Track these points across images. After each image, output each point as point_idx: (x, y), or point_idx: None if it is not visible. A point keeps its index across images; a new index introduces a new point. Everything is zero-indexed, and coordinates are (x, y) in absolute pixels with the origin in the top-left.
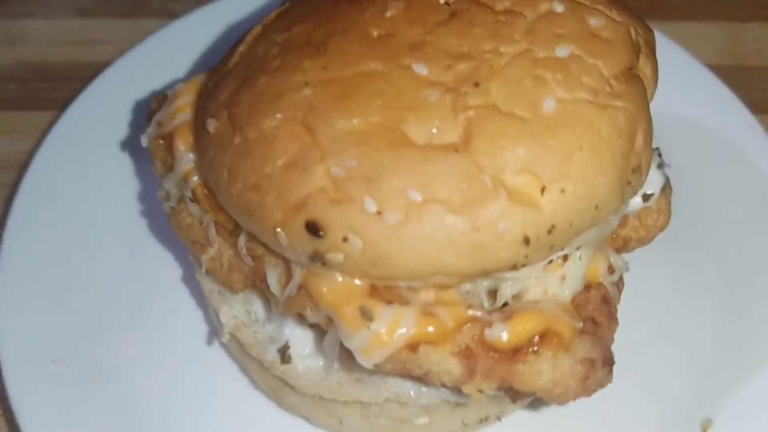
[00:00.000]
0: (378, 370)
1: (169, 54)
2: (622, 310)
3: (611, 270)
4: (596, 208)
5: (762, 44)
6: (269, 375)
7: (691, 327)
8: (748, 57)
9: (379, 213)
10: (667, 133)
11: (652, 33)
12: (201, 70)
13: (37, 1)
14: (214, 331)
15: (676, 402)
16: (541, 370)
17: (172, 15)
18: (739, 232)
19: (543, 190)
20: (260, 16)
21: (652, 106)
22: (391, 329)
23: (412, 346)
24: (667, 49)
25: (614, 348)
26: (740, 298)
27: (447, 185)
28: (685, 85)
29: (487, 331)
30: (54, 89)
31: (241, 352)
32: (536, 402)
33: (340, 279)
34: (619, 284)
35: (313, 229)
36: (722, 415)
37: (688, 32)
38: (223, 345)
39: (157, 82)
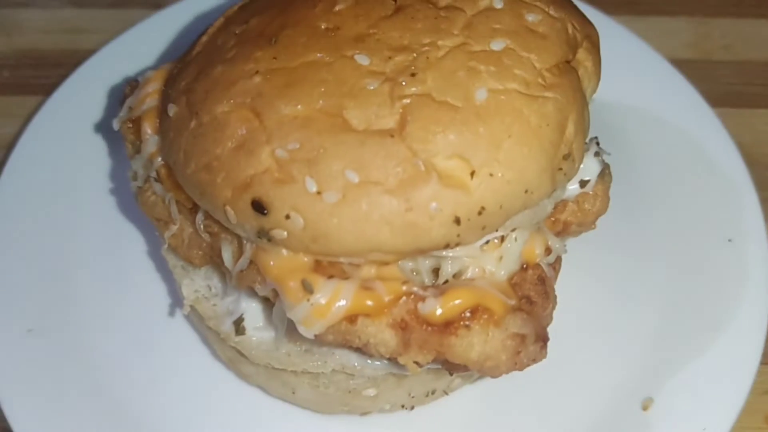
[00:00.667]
0: (319, 341)
1: (150, 43)
2: (568, 291)
3: (548, 251)
4: (526, 192)
5: (730, 39)
6: (227, 346)
7: (636, 308)
8: (715, 52)
9: (318, 193)
10: (625, 124)
11: (594, 28)
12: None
13: None
14: (178, 303)
15: (618, 380)
16: (472, 344)
17: (159, 6)
18: (689, 221)
19: (473, 174)
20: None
21: (610, 96)
22: (330, 301)
23: (351, 318)
24: (629, 42)
25: (557, 326)
26: (685, 282)
27: (382, 168)
28: (645, 77)
29: (420, 305)
30: (45, 75)
31: (201, 324)
32: (484, 378)
33: (285, 254)
34: (556, 265)
35: (259, 207)
36: (663, 394)
37: (657, 26)
38: (185, 317)
39: (137, 70)
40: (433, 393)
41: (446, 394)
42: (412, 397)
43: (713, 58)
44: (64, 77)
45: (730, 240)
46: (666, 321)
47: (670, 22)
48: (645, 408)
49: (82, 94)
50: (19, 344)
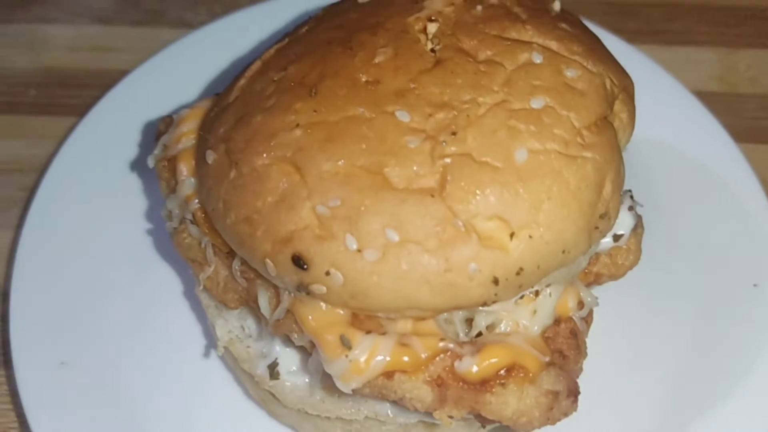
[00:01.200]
0: (356, 394)
1: (183, 66)
2: (592, 333)
3: (581, 305)
4: (563, 252)
5: (756, 72)
6: (260, 387)
7: (660, 352)
8: (741, 84)
9: (359, 250)
10: (648, 159)
11: (630, 80)
12: (213, 83)
13: (58, 7)
14: (212, 343)
15: (643, 425)
16: (507, 401)
17: (187, 25)
18: (715, 261)
19: (512, 235)
20: (276, 35)
21: (636, 133)
22: (368, 358)
23: (388, 374)
24: (655, 75)
25: (585, 372)
26: (710, 326)
27: (422, 227)
28: (670, 111)
29: (457, 363)
30: (72, 95)
31: (234, 365)
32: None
33: (323, 307)
34: (588, 318)
35: (299, 262)
36: None
37: (683, 57)
38: (220, 357)
39: (171, 94)
40: None
41: None
42: None
43: (739, 90)
44: (91, 98)
45: (755, 285)
46: (691, 365)
47: (695, 52)
48: None
49: (114, 120)
50: (52, 376)
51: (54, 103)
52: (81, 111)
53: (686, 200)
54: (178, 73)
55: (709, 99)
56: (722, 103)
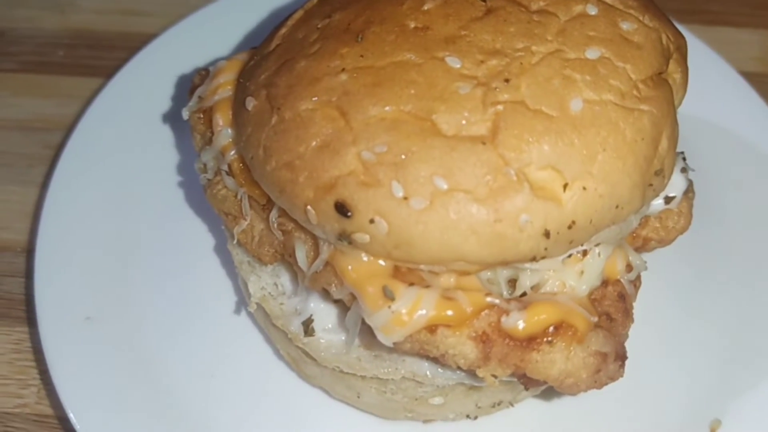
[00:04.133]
0: (396, 348)
1: (213, 30)
2: (639, 307)
3: (629, 268)
4: (617, 207)
5: None
6: (292, 346)
7: (706, 327)
8: None
9: (405, 198)
10: (694, 137)
11: (684, 39)
12: (244, 47)
13: None
14: (242, 300)
15: (686, 400)
16: (554, 360)
17: None
18: (760, 239)
19: (565, 186)
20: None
21: (681, 109)
22: (411, 310)
23: (431, 328)
24: (701, 53)
25: (628, 344)
26: (757, 303)
27: (472, 175)
28: (716, 90)
29: (504, 319)
30: (100, 57)
31: (266, 322)
32: (548, 391)
33: (365, 258)
34: (636, 282)
35: (342, 209)
36: (732, 417)
37: (724, 37)
38: (249, 314)
39: (200, 57)
40: (499, 404)
41: (512, 405)
42: (479, 407)
43: None
44: (120, 60)
45: None
46: (736, 341)
47: (735, 32)
48: (713, 430)
49: (145, 79)
50: (77, 332)
51: (82, 64)
52: (108, 73)
53: (733, 178)
54: (208, 37)
55: (750, 80)
56: (763, 84)
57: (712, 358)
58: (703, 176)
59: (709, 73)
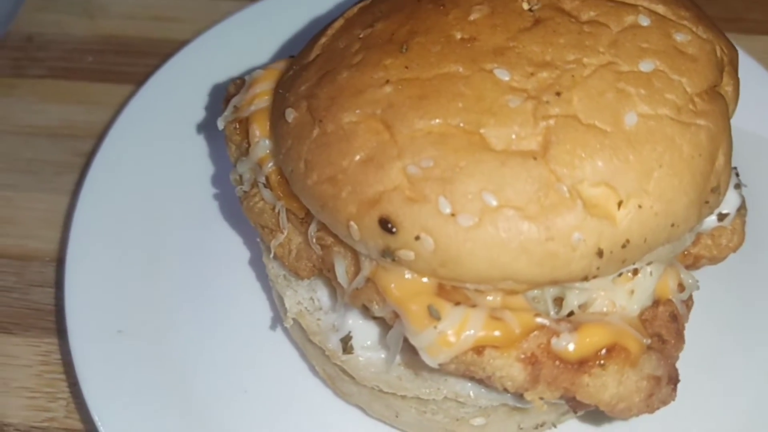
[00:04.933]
0: (441, 369)
1: (246, 36)
2: (688, 326)
3: (681, 287)
4: (672, 225)
5: None
6: (329, 363)
7: (751, 348)
8: None
9: (453, 215)
10: (738, 150)
11: (736, 51)
12: (276, 55)
13: None
14: (277, 315)
15: (733, 424)
16: (606, 384)
17: None
18: None
19: (620, 204)
20: (340, 7)
21: None
22: (458, 331)
23: (477, 349)
24: (744, 64)
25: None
26: None
27: (523, 192)
28: (759, 102)
29: (554, 340)
30: (129, 63)
31: (302, 338)
32: (592, 411)
33: (408, 275)
34: (688, 302)
35: (386, 225)
36: None
37: (762, 47)
38: (284, 329)
39: (233, 65)
40: (542, 425)
41: (554, 426)
42: (521, 428)
43: None
44: (149, 66)
45: None
46: None
47: None
48: None
49: (176, 87)
50: (108, 345)
51: (111, 71)
52: (138, 79)
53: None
54: (240, 43)
55: None
56: None
57: (757, 381)
58: (747, 190)
59: (752, 85)
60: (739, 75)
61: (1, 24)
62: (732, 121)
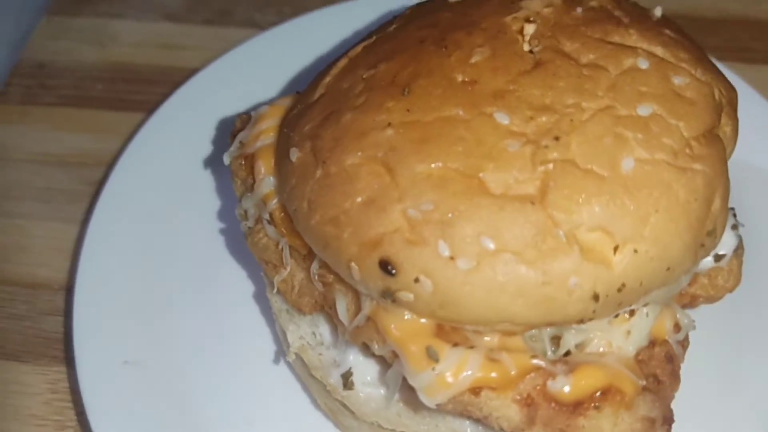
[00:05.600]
0: (439, 409)
1: (255, 65)
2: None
3: (677, 328)
4: (668, 269)
5: None
6: (330, 397)
7: (753, 388)
8: None
9: (452, 258)
10: (738, 182)
11: (735, 92)
12: (284, 85)
13: (125, 3)
14: (281, 348)
15: None
16: (601, 426)
17: (256, 25)
18: None
19: (616, 249)
20: (346, 39)
21: None
22: (456, 372)
23: (475, 390)
24: (747, 97)
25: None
26: None
27: (521, 236)
28: (757, 132)
29: (549, 382)
30: (139, 91)
31: (304, 373)
32: None
33: (407, 316)
34: (684, 342)
35: (387, 267)
36: None
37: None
38: (288, 363)
39: (240, 95)
40: None
41: None
42: None
43: None
44: (159, 94)
45: None
46: None
47: None
48: None
49: (185, 117)
50: (114, 375)
51: (121, 99)
52: (148, 107)
53: None
54: (249, 72)
55: None
56: None
57: (760, 419)
58: (746, 222)
59: (755, 117)
60: (743, 107)
61: (14, 50)
62: (734, 154)
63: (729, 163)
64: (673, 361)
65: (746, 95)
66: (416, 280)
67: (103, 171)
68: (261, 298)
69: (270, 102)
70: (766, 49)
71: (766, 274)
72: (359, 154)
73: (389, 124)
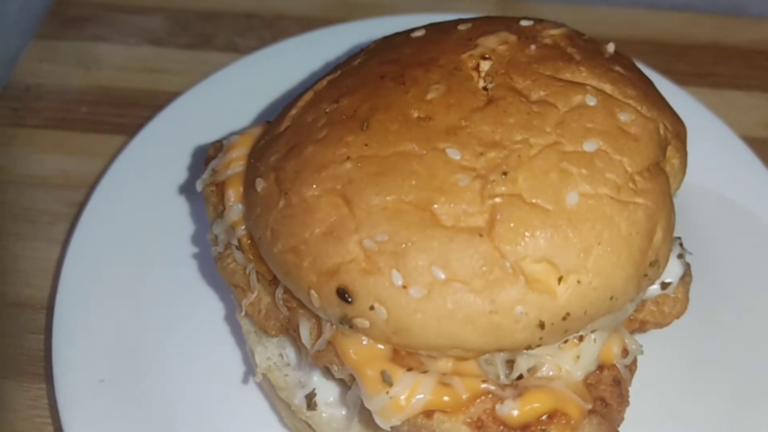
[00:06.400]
0: (394, 431)
1: (233, 90)
2: (636, 384)
3: (625, 352)
4: (611, 298)
5: None
6: (295, 417)
7: (704, 410)
8: None
9: (404, 287)
10: (695, 204)
11: (683, 125)
12: (258, 112)
13: (110, 27)
14: (250, 369)
15: None
16: None
17: (236, 49)
18: (763, 313)
19: (560, 279)
20: (322, 70)
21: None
22: (409, 396)
23: (427, 413)
24: (703, 119)
25: (635, 413)
26: (756, 383)
27: (469, 266)
28: (718, 156)
29: (498, 406)
30: (122, 114)
31: (271, 392)
32: None
33: (365, 341)
34: (632, 366)
35: (343, 295)
36: None
37: (732, 101)
38: (256, 383)
39: (221, 118)
40: None
41: None
42: None
43: None
44: (142, 117)
45: None
46: (735, 423)
47: (744, 97)
48: None
49: (164, 141)
50: (91, 393)
51: (104, 121)
52: (131, 130)
53: (733, 248)
54: (229, 97)
55: (757, 145)
56: None
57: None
58: (702, 244)
59: (712, 140)
60: (702, 131)
61: (1, 73)
62: (694, 179)
63: (688, 187)
64: (620, 384)
65: (708, 121)
66: (371, 308)
67: (84, 192)
68: (232, 320)
69: (241, 131)
70: (730, 74)
71: (721, 296)
72: (319, 186)
73: (348, 158)
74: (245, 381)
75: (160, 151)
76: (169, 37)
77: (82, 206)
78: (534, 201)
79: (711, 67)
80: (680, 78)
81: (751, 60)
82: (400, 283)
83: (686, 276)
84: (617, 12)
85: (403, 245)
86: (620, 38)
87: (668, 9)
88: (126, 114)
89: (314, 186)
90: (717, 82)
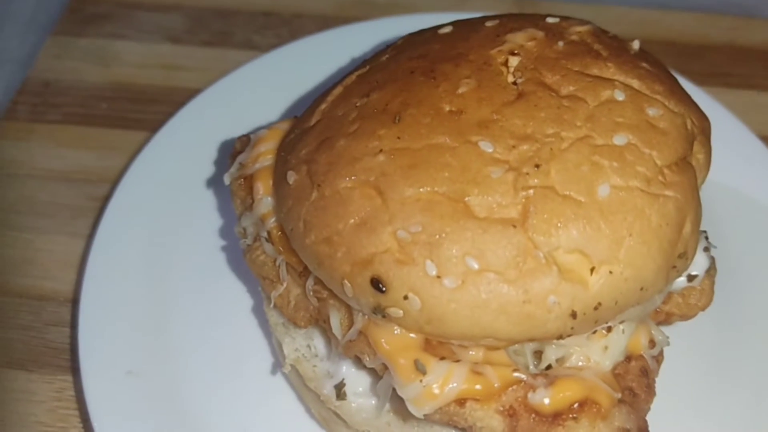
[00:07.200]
0: (426, 419)
1: (256, 86)
2: (661, 379)
3: (652, 344)
4: (641, 289)
5: None
6: (324, 407)
7: (727, 402)
8: None
9: (438, 277)
10: (713, 203)
11: (708, 121)
12: (282, 107)
13: (129, 24)
14: (277, 360)
15: None
16: None
17: (255, 47)
18: None
19: (592, 270)
20: (340, 68)
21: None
22: (442, 384)
23: (460, 401)
24: (721, 118)
25: (650, 416)
26: None
27: (503, 257)
28: (735, 155)
29: (530, 395)
30: (142, 110)
31: (299, 383)
32: None
33: (397, 331)
34: (659, 357)
35: (377, 285)
36: None
37: (747, 101)
38: (283, 374)
39: (244, 114)
40: None
41: None
42: None
43: None
44: (161, 114)
45: None
46: (758, 416)
47: (759, 96)
48: None
49: (188, 136)
50: (118, 385)
51: (124, 117)
52: (151, 126)
53: (751, 245)
54: (250, 93)
55: None
56: None
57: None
58: (721, 241)
59: (729, 139)
60: (722, 131)
61: (20, 69)
62: (711, 177)
63: (707, 185)
64: (647, 375)
65: (724, 119)
66: (405, 298)
67: (106, 187)
68: (259, 312)
69: (268, 125)
70: (746, 74)
71: (740, 292)
72: (352, 178)
73: (381, 151)
74: (273, 372)
75: (183, 146)
76: (187, 35)
77: (105, 200)
78: (566, 193)
79: (726, 68)
80: (696, 78)
81: (766, 60)
82: (434, 273)
83: (711, 269)
84: (632, 12)
85: (437, 236)
86: (635, 38)
87: (683, 9)
88: (144, 110)
89: (347, 178)
90: (732, 82)
